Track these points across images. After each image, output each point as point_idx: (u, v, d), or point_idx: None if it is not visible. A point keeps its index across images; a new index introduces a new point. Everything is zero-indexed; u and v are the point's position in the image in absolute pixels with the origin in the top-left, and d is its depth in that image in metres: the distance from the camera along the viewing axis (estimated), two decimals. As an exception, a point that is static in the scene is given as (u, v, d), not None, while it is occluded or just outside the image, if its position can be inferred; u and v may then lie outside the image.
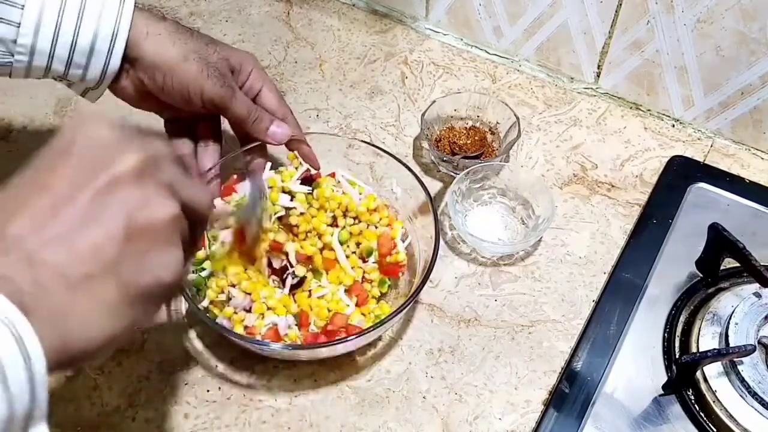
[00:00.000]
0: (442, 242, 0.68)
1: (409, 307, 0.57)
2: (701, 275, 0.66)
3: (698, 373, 0.58)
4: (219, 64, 0.59)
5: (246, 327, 0.58)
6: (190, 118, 0.64)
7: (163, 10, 0.93)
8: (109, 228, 0.34)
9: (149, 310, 0.37)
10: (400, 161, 0.66)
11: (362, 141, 0.69)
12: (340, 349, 0.57)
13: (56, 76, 0.57)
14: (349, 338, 0.55)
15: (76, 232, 0.33)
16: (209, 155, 0.65)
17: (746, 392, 0.56)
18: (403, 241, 0.63)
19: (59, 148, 0.36)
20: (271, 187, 0.64)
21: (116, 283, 0.34)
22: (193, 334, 0.62)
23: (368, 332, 0.55)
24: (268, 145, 0.65)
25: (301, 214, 0.63)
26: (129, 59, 0.57)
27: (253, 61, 0.64)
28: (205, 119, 0.64)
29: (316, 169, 0.66)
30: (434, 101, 0.76)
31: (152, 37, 0.57)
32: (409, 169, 0.65)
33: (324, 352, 0.58)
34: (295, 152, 0.66)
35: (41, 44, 0.54)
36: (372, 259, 0.62)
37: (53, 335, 0.31)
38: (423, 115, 0.75)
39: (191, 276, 0.60)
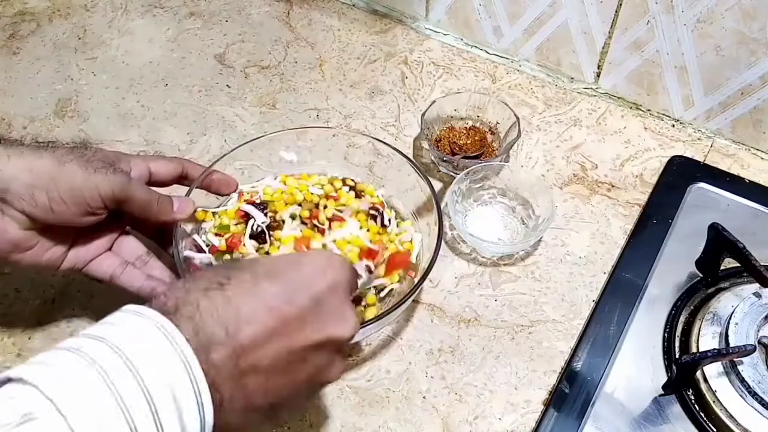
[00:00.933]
0: (442, 242, 0.68)
1: (410, 302, 0.57)
2: (701, 275, 0.66)
3: (698, 373, 0.58)
4: (98, 156, 0.52)
5: None
6: (102, 248, 0.57)
7: (162, 10, 0.94)
8: (301, 381, 0.41)
9: (310, 399, 0.48)
10: (403, 155, 0.65)
11: (364, 134, 0.69)
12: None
13: None
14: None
15: (282, 369, 0.39)
16: (155, 266, 0.58)
17: (746, 392, 0.56)
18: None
19: (307, 279, 0.40)
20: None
21: (297, 402, 0.42)
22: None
23: (368, 325, 0.55)
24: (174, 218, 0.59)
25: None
26: None
27: (125, 153, 0.57)
28: (115, 239, 0.58)
29: (232, 192, 0.64)
30: (434, 101, 0.76)
31: (15, 157, 0.48)
32: (413, 163, 0.65)
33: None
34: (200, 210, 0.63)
35: None
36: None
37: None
38: (423, 115, 0.75)
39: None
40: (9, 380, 0.32)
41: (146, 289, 0.56)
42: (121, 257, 0.58)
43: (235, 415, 0.37)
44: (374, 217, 0.63)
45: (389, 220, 0.64)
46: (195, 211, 0.61)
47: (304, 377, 0.40)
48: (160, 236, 0.60)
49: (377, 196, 0.66)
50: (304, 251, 0.50)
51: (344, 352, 0.44)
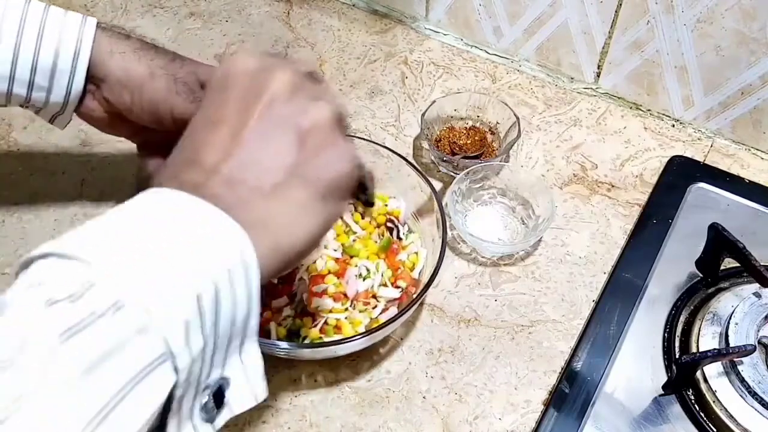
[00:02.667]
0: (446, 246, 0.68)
1: (415, 307, 0.57)
2: (701, 275, 0.66)
3: (698, 373, 0.58)
4: (187, 78, 0.57)
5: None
6: (164, 141, 0.61)
7: (162, 10, 0.94)
8: (282, 140, 0.39)
9: (339, 202, 0.41)
10: (401, 156, 0.65)
11: (362, 138, 0.69)
12: (343, 350, 0.57)
13: (20, 102, 0.55)
14: (352, 339, 0.55)
15: (257, 150, 0.38)
16: None
17: (746, 392, 0.56)
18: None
19: (218, 86, 0.40)
20: None
21: (303, 185, 0.38)
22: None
23: (373, 333, 0.55)
24: None
25: None
26: (94, 79, 0.55)
27: None
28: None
29: None
30: (434, 101, 0.76)
31: (117, 54, 0.55)
32: (412, 165, 0.65)
33: (326, 353, 0.58)
34: None
35: (0, 67, 0.52)
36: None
37: (265, 242, 0.35)
38: (423, 115, 0.75)
39: None
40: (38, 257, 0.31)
41: None
42: None
43: (261, 207, 0.37)
44: (390, 230, 0.64)
45: (404, 234, 0.65)
46: None
47: (287, 135, 0.39)
48: None
49: (396, 209, 0.66)
50: None
51: (306, 99, 0.41)
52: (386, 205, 0.66)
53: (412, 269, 0.63)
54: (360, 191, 0.53)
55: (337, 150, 0.40)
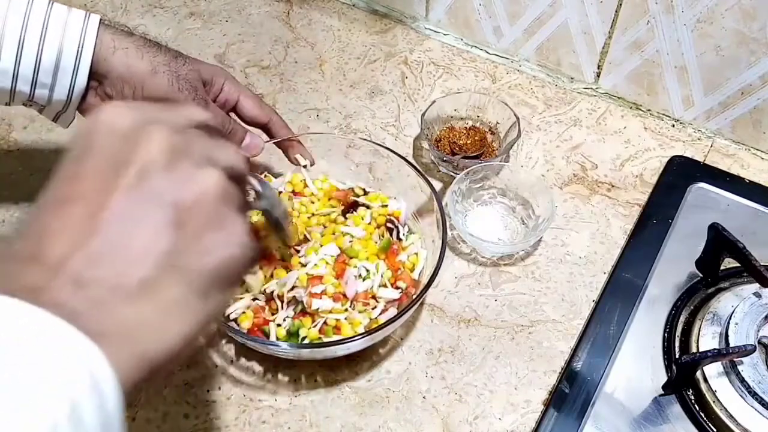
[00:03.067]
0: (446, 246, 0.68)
1: (415, 308, 0.57)
2: (701, 275, 0.66)
3: (698, 373, 0.58)
4: (190, 76, 0.57)
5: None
6: None
7: (162, 10, 0.94)
8: (153, 222, 0.31)
9: (224, 293, 0.34)
10: (401, 157, 0.65)
11: (362, 138, 0.69)
12: (343, 350, 0.57)
13: (23, 100, 0.55)
14: (352, 339, 0.55)
15: (119, 237, 0.30)
16: None
17: (746, 392, 0.56)
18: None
19: (78, 149, 0.33)
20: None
21: (179, 278, 0.31)
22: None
23: (373, 333, 0.55)
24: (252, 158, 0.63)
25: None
26: (97, 75, 0.55)
27: (225, 74, 0.62)
28: None
29: (311, 164, 0.67)
30: (434, 101, 0.76)
31: (120, 51, 0.55)
32: (413, 166, 0.65)
33: (326, 353, 0.58)
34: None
35: (4, 64, 0.52)
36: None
37: (126, 353, 0.29)
38: (423, 115, 0.75)
39: None
40: None
41: None
42: None
43: (122, 310, 0.29)
44: (390, 230, 0.64)
45: (404, 234, 0.65)
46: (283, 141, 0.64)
47: (161, 215, 0.31)
48: None
49: (397, 210, 0.66)
50: None
51: (188, 166, 0.33)
52: (386, 206, 0.66)
53: (412, 270, 0.63)
54: (276, 231, 0.52)
55: (224, 232, 0.33)
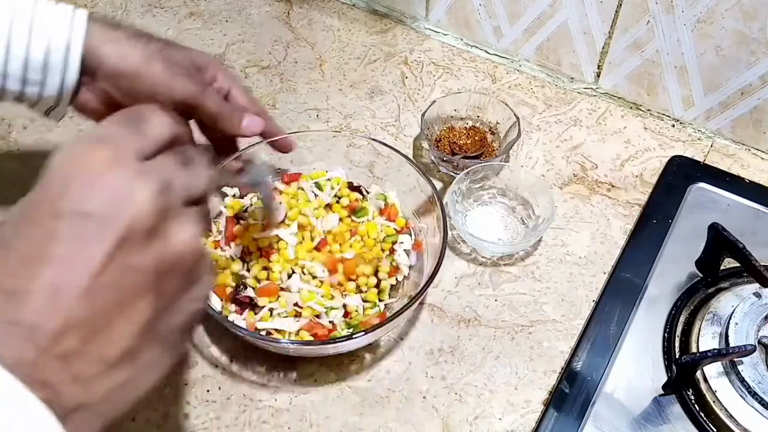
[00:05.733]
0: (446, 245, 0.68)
1: (415, 306, 0.57)
2: (701, 275, 0.66)
3: (698, 373, 0.58)
4: (184, 62, 0.56)
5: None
6: None
7: (162, 10, 0.94)
8: (135, 292, 0.31)
9: (186, 341, 0.36)
10: (402, 155, 0.65)
11: (364, 137, 0.69)
12: (344, 347, 0.57)
13: (14, 97, 0.54)
14: (351, 337, 0.55)
15: (103, 309, 0.30)
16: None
17: (746, 392, 0.56)
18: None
19: (46, 198, 0.31)
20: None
21: (155, 342, 0.32)
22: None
23: (373, 331, 0.55)
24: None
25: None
26: (88, 70, 0.54)
27: (218, 63, 0.61)
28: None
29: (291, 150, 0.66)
30: (434, 101, 0.76)
31: (110, 43, 0.53)
32: (413, 164, 0.65)
33: (328, 350, 0.58)
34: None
35: None
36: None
37: (94, 425, 0.30)
38: (423, 115, 0.75)
39: None
40: None
41: None
42: None
43: (104, 381, 0.31)
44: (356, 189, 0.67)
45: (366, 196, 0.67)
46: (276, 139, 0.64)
47: (143, 286, 0.32)
48: (220, 145, 0.62)
49: (401, 219, 0.67)
50: None
51: (170, 225, 0.33)
52: (328, 180, 0.68)
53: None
54: (263, 208, 0.55)
55: (195, 289, 0.34)
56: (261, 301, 0.59)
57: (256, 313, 0.59)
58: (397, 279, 0.63)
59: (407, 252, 0.65)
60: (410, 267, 0.64)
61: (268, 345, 0.57)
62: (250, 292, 0.60)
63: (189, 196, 0.35)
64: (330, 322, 0.59)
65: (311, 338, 0.58)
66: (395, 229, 0.65)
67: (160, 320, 0.32)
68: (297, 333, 0.58)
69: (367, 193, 0.68)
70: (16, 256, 0.30)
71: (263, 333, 0.58)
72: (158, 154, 0.35)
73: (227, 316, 0.59)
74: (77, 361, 0.30)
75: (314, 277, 0.61)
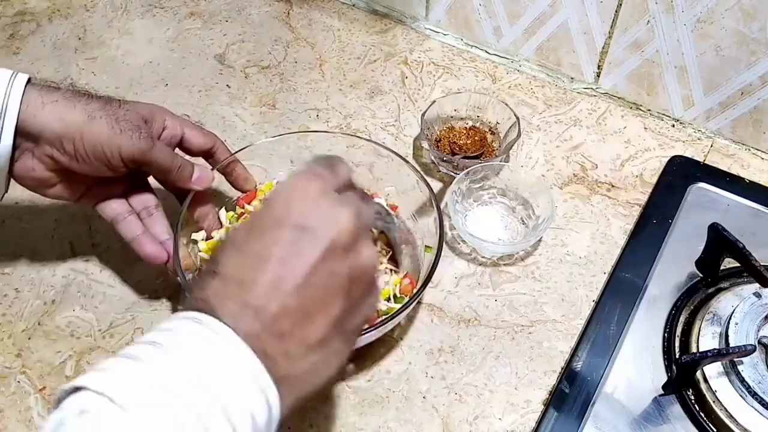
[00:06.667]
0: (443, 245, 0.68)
1: (412, 306, 0.57)
2: (701, 275, 0.66)
3: (698, 373, 0.58)
4: (129, 116, 0.55)
5: None
6: (117, 193, 0.60)
7: (162, 10, 0.94)
8: (333, 293, 0.38)
9: (357, 339, 0.43)
10: (401, 157, 0.65)
11: (361, 137, 0.69)
12: None
13: None
14: None
15: (309, 304, 0.37)
16: (157, 221, 0.60)
17: (746, 392, 0.56)
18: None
19: (274, 212, 0.39)
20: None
21: (342, 336, 0.39)
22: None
23: (370, 331, 0.55)
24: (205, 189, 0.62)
25: None
26: (30, 136, 0.53)
27: (164, 111, 0.60)
28: (132, 186, 0.60)
29: (249, 190, 0.65)
30: (434, 101, 0.76)
31: (48, 105, 0.52)
32: (411, 166, 0.65)
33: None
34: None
35: None
36: None
37: (292, 397, 0.37)
38: (423, 115, 0.75)
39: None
40: (75, 389, 0.33)
41: (136, 246, 0.59)
42: (129, 204, 0.60)
43: (302, 362, 0.37)
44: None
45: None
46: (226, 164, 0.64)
47: (341, 289, 0.39)
48: (179, 192, 0.62)
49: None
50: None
51: (361, 244, 0.40)
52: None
53: None
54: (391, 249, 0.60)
55: (372, 296, 0.41)
56: None
57: None
58: (385, 250, 0.63)
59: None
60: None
61: None
62: None
63: (371, 224, 0.43)
64: None
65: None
66: None
67: (346, 319, 0.39)
68: None
69: None
70: (247, 254, 0.38)
71: None
72: (346, 191, 0.42)
73: None
74: (288, 340, 0.37)
75: None
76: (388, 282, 0.61)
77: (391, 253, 0.64)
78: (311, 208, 0.39)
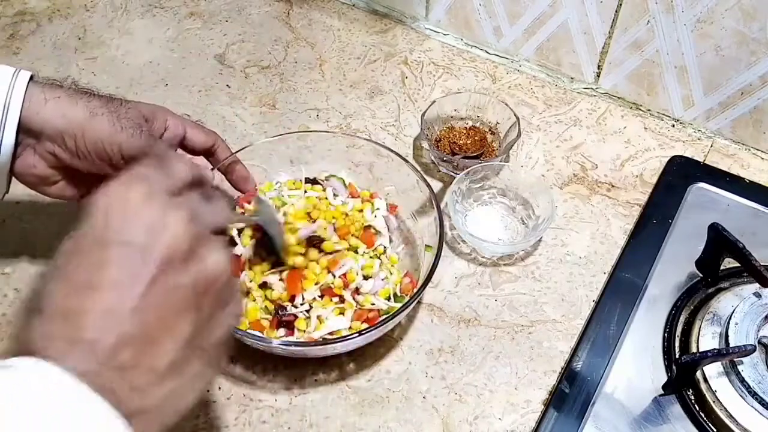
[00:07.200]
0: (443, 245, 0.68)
1: (412, 306, 0.57)
2: (701, 275, 0.66)
3: (698, 373, 0.58)
4: (130, 114, 0.55)
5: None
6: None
7: (162, 10, 0.94)
8: (177, 310, 0.35)
9: (224, 355, 0.39)
10: (401, 157, 0.65)
11: (361, 137, 0.69)
12: (342, 347, 0.57)
13: None
14: (349, 337, 0.55)
15: (152, 326, 0.34)
16: None
17: (746, 392, 0.56)
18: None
19: (93, 231, 0.35)
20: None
21: (198, 356, 0.36)
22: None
23: (370, 331, 0.55)
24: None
25: None
26: (32, 132, 0.52)
27: (166, 111, 0.60)
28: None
29: (248, 189, 0.65)
30: (434, 101, 0.76)
31: (51, 101, 0.52)
32: (411, 166, 0.65)
33: (326, 350, 0.58)
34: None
35: None
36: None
37: (154, 430, 0.34)
38: (423, 115, 0.75)
39: None
40: None
41: None
42: None
43: (154, 391, 0.34)
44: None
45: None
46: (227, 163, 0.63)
47: (184, 304, 0.35)
48: None
49: (364, 191, 0.67)
50: None
51: (203, 249, 0.36)
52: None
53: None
54: (271, 245, 0.56)
55: (229, 307, 0.38)
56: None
57: (305, 329, 0.58)
58: (384, 246, 0.63)
59: (385, 218, 0.65)
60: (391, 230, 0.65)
61: (260, 345, 0.57)
62: (292, 310, 0.58)
63: (214, 226, 0.39)
64: (372, 303, 0.59)
65: (365, 326, 0.57)
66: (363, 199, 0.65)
67: (201, 335, 0.36)
68: (349, 328, 0.58)
69: (326, 180, 0.67)
70: (71, 283, 0.34)
71: (320, 340, 0.57)
72: (183, 192, 0.38)
73: (274, 340, 0.57)
74: (133, 371, 0.33)
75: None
76: (387, 280, 0.61)
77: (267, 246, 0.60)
78: (133, 219, 0.35)
